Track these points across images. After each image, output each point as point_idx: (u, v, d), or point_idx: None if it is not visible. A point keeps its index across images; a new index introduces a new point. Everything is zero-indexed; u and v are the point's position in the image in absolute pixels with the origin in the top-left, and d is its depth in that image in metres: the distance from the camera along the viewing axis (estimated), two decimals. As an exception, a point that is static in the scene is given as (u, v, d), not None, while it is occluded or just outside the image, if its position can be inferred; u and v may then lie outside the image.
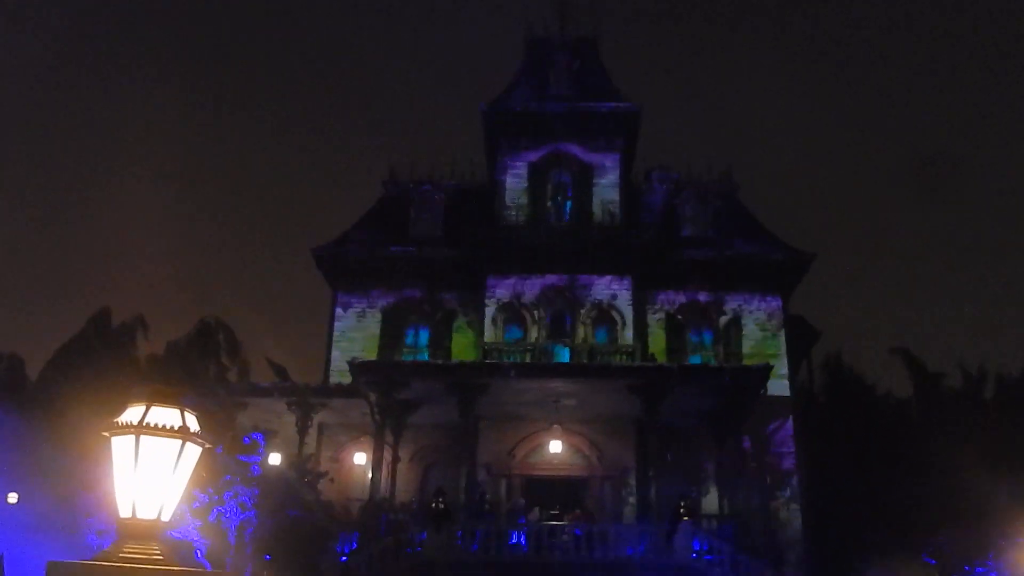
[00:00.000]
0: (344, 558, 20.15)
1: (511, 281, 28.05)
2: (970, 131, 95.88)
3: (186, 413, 4.02)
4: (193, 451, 4.05)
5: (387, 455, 23.75)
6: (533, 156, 30.28)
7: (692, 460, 25.95)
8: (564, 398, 23.98)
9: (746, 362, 26.92)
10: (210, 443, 4.19)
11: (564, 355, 25.77)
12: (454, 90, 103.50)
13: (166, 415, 3.95)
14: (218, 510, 14.98)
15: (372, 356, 27.08)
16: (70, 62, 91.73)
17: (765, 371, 23.57)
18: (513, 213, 29.50)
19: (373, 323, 29.11)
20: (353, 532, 21.97)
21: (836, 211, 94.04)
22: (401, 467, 24.84)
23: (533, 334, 27.51)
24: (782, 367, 27.21)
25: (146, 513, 3.91)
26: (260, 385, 26.60)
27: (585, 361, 25.72)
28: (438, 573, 19.52)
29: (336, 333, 29.07)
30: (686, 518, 20.81)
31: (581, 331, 27.44)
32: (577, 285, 27.89)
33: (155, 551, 3.81)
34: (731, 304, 28.74)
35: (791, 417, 26.67)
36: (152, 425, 3.90)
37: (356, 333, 28.89)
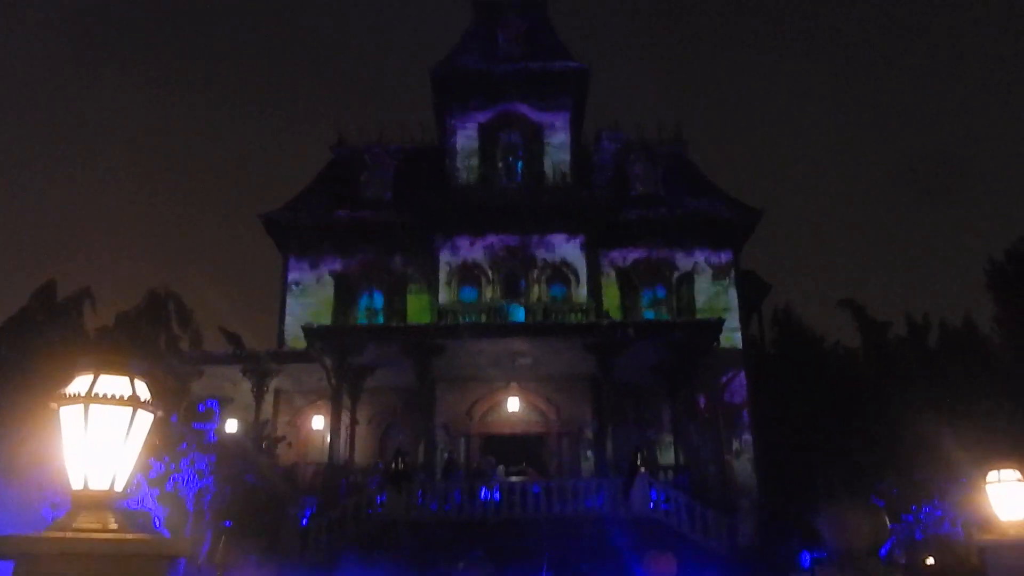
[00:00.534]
0: (304, 522, 20.18)
1: (464, 242, 27.99)
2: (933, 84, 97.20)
3: (136, 381, 3.96)
4: (145, 419, 4.00)
5: (345, 419, 23.75)
6: (483, 117, 30.08)
7: (648, 414, 26.34)
8: (520, 357, 24.13)
9: (699, 317, 27.30)
10: (163, 411, 4.14)
11: (519, 314, 25.87)
12: (403, 52, 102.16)
13: (115, 384, 3.89)
14: (175, 478, 14.86)
15: (326, 321, 26.96)
16: (8, 30, 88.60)
17: (717, 325, 23.93)
18: (464, 174, 29.36)
19: (326, 288, 28.92)
20: (313, 496, 22.00)
21: (785, 167, 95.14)
22: (359, 430, 24.89)
23: (488, 294, 27.55)
24: (734, 321, 27.64)
25: (99, 484, 3.86)
26: (214, 353, 26.32)
27: (540, 320, 25.86)
28: (399, 533, 19.65)
29: (289, 299, 28.84)
30: (643, 470, 21.16)
31: (535, 290, 27.53)
32: (530, 245, 27.92)
33: (110, 521, 3.78)
34: (683, 260, 29.02)
35: (743, 369, 27.20)
36: (101, 395, 3.84)
37: (309, 299, 28.69)
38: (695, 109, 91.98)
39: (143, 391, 3.98)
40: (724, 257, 29.18)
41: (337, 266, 29.14)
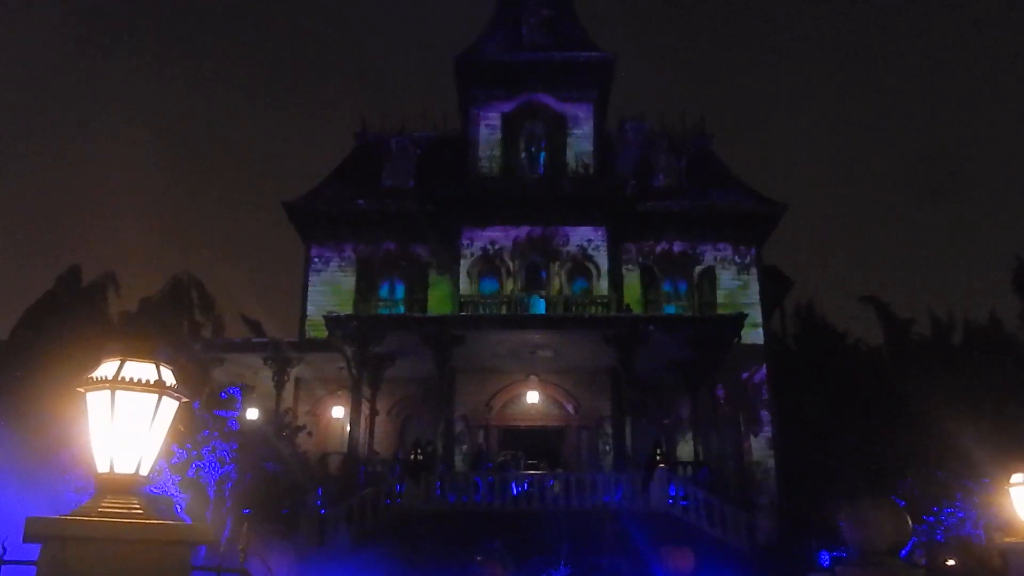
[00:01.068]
0: (323, 511, 20.28)
1: (486, 233, 27.96)
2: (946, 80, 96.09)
3: (161, 367, 3.99)
4: (170, 405, 4.03)
5: (365, 408, 23.82)
6: (507, 107, 30.00)
7: (667, 408, 26.28)
8: (540, 349, 24.10)
9: (720, 311, 27.16)
10: (187, 398, 4.16)
11: (540, 306, 25.84)
12: (426, 41, 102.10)
13: (141, 369, 3.93)
14: (196, 465, 14.97)
15: (347, 310, 27.01)
16: (38, 15, 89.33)
17: (739, 320, 23.77)
18: (487, 164, 29.30)
19: (348, 276, 28.98)
20: (332, 485, 22.10)
21: (808, 162, 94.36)
22: (379, 420, 24.98)
23: (509, 286, 27.52)
24: (756, 316, 27.47)
25: (124, 468, 3.90)
26: (236, 340, 26.52)
27: (561, 312, 25.79)
28: (417, 523, 19.71)
29: (311, 287, 28.92)
30: (661, 465, 21.08)
31: (556, 282, 27.48)
32: (552, 236, 27.84)
33: (134, 505, 3.81)
34: (705, 254, 28.87)
35: (764, 365, 27.00)
36: (127, 379, 3.88)
37: (331, 287, 28.77)
38: (718, 101, 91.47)
39: (168, 377, 4.01)
40: (747, 251, 28.98)
41: (359, 254, 29.18)
